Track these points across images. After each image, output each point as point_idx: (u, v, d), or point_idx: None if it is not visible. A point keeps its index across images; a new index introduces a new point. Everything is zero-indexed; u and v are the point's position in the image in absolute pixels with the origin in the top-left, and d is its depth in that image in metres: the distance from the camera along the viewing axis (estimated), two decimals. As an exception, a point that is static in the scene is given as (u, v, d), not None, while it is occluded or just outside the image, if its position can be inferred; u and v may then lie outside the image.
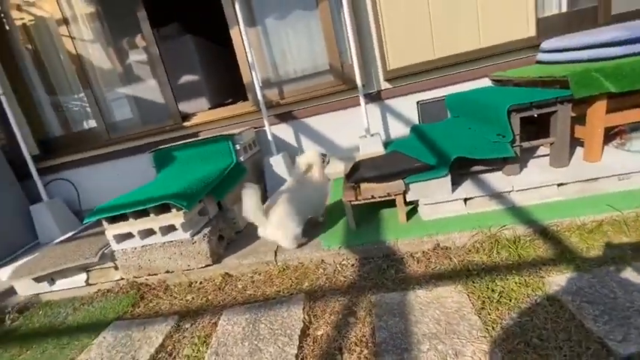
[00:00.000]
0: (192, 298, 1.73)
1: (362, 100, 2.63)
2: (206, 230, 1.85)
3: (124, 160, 3.21)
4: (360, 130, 2.70)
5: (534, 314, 1.14)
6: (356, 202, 1.83)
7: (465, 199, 1.76)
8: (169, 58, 3.36)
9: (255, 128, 2.90)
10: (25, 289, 2.10)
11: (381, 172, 1.93)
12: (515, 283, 1.29)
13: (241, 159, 2.45)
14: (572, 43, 1.97)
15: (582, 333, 1.03)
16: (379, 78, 2.75)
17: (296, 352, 1.21)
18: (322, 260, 1.76)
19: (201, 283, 1.84)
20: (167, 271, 1.89)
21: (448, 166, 1.73)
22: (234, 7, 2.56)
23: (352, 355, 1.16)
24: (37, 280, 2.06)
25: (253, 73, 2.62)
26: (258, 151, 2.86)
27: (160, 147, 2.62)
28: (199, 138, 2.78)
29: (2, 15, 3.08)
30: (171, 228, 1.84)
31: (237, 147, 2.42)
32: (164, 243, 1.84)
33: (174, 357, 1.36)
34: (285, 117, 2.91)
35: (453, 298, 1.30)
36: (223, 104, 3.94)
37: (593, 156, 1.76)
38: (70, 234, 2.57)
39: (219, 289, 1.75)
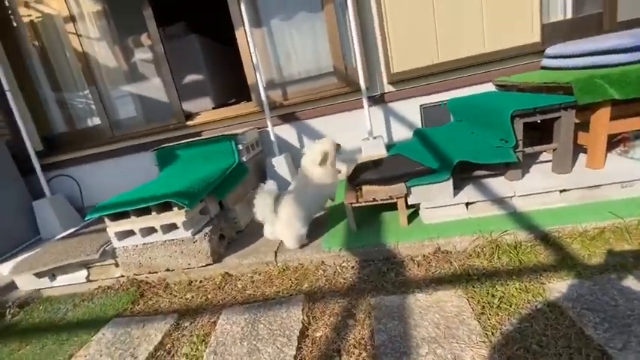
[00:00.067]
0: (192, 296, 1.74)
1: (365, 103, 2.63)
2: (207, 229, 1.85)
3: (127, 157, 3.23)
4: (363, 132, 2.70)
5: (534, 320, 1.13)
6: (357, 205, 1.83)
7: (467, 204, 1.76)
8: (174, 57, 3.38)
9: (259, 129, 2.91)
10: (26, 284, 2.11)
11: (383, 174, 1.93)
12: (516, 288, 1.29)
13: (244, 159, 2.46)
14: (577, 50, 1.97)
15: (582, 340, 1.03)
16: (383, 81, 2.76)
17: (294, 353, 1.21)
18: (322, 262, 1.76)
19: (201, 282, 1.85)
20: (167, 270, 1.90)
21: (450, 170, 1.73)
22: (239, 8, 2.58)
23: (351, 357, 1.15)
24: (38, 275, 2.07)
25: (257, 74, 2.64)
26: (260, 151, 2.87)
27: (163, 145, 2.63)
28: (202, 137, 2.79)
29: (10, 12, 3.11)
30: (172, 226, 1.85)
31: (240, 147, 2.43)
32: (165, 241, 1.84)
33: (173, 355, 1.36)
34: (288, 118, 2.92)
35: (453, 302, 1.30)
36: (227, 104, 3.95)
37: (596, 163, 1.75)
38: (71, 230, 2.58)
39: (219, 288, 1.75)
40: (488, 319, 1.18)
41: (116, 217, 1.87)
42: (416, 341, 1.15)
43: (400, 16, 2.56)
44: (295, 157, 2.90)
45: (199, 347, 1.36)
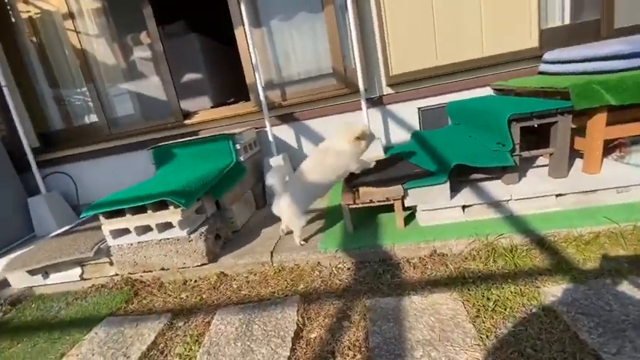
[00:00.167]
0: (187, 296, 1.72)
1: (364, 105, 2.63)
2: (203, 229, 1.84)
3: (124, 155, 3.21)
4: (361, 134, 2.70)
5: (529, 324, 1.13)
6: (354, 206, 1.83)
7: (463, 207, 1.76)
8: (173, 55, 3.37)
9: (257, 128, 2.90)
10: (19, 281, 2.09)
11: (380, 176, 1.93)
12: (511, 292, 1.29)
13: (241, 159, 2.45)
14: (575, 55, 1.98)
15: (577, 345, 1.03)
16: (382, 83, 2.76)
17: (288, 354, 1.21)
18: (318, 262, 1.75)
19: (196, 281, 1.84)
20: (162, 269, 1.88)
21: (447, 173, 1.73)
22: (239, 7, 2.58)
23: (345, 359, 1.15)
24: (31, 272, 2.05)
25: (256, 74, 2.63)
26: (258, 151, 2.86)
27: (160, 144, 2.62)
28: (200, 136, 2.78)
29: (8, 7, 3.10)
30: (168, 225, 1.83)
31: (238, 146, 2.42)
32: (160, 240, 1.83)
33: (166, 355, 1.35)
34: (286, 118, 2.91)
35: (448, 305, 1.29)
36: (225, 103, 3.94)
37: (593, 168, 1.76)
38: (66, 228, 2.57)
39: (214, 288, 1.74)
40: (483, 323, 1.18)
41: (111, 215, 1.86)
42: (410, 344, 1.14)
43: (400, 19, 2.56)
44: (293, 158, 2.90)
45: (193, 347, 1.35)
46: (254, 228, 2.21)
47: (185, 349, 1.35)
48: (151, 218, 1.82)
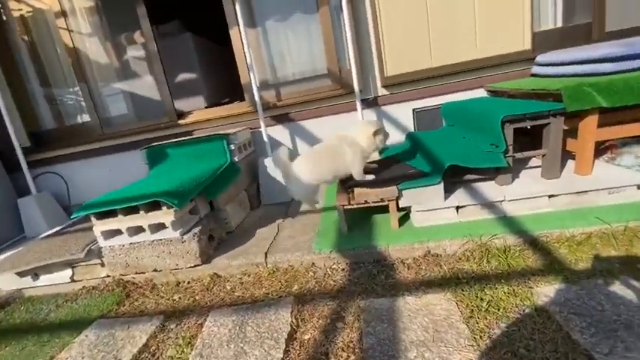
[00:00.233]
0: (179, 298, 1.70)
1: (359, 106, 2.63)
2: (196, 229, 1.83)
3: (117, 155, 3.17)
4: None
5: (522, 324, 1.14)
6: (349, 207, 1.83)
7: (457, 207, 1.77)
8: (168, 55, 3.34)
9: (251, 129, 2.89)
10: (8, 283, 2.05)
11: (372, 176, 1.93)
12: (504, 292, 1.29)
13: (236, 159, 2.43)
14: (567, 58, 2.00)
15: (569, 345, 1.03)
16: (376, 84, 2.77)
17: (282, 356, 1.20)
18: (313, 263, 1.75)
19: (189, 283, 1.82)
20: (155, 270, 1.86)
21: (441, 174, 1.74)
22: (234, 8, 2.57)
23: (339, 360, 1.14)
24: (21, 274, 2.01)
25: (251, 74, 2.62)
26: (253, 151, 2.85)
27: (153, 144, 2.59)
28: (194, 136, 2.76)
29: (0, 6, 3.05)
30: (160, 226, 1.81)
31: (232, 147, 2.41)
32: (153, 241, 1.81)
33: (158, 358, 1.33)
34: (281, 119, 2.91)
35: (442, 305, 1.29)
36: (220, 103, 3.92)
37: (584, 169, 1.78)
38: (57, 229, 2.53)
39: (207, 289, 1.73)
40: (477, 323, 1.18)
41: (103, 215, 1.83)
42: (404, 344, 1.14)
43: (395, 20, 2.57)
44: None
45: (185, 349, 1.33)
46: (248, 229, 2.20)
47: (177, 351, 1.33)
48: (144, 219, 1.80)
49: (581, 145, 1.77)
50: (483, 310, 1.23)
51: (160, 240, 1.80)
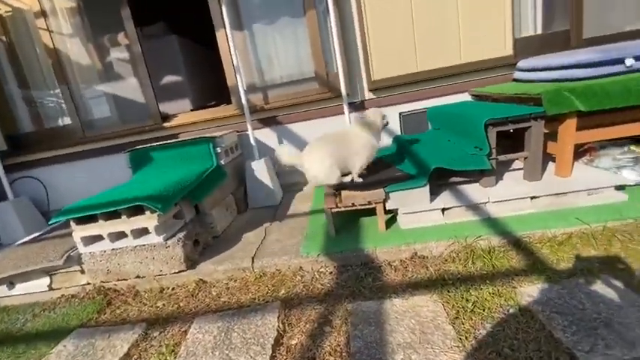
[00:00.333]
0: (163, 304, 1.66)
1: (346, 109, 2.64)
2: (181, 234, 1.79)
3: (99, 159, 3.09)
4: (343, 138, 2.71)
5: (506, 324, 1.15)
6: (337, 210, 1.82)
7: (443, 209, 1.79)
8: (152, 57, 3.29)
9: (238, 132, 2.86)
10: (-19, 293, 1.96)
11: (362, 180, 1.93)
12: (489, 293, 1.31)
13: (222, 162, 2.40)
14: (547, 63, 2.06)
15: (552, 343, 1.05)
16: (364, 88, 2.79)
17: (268, 361, 1.18)
18: (300, 267, 1.73)
19: (173, 289, 1.77)
20: (138, 276, 1.81)
21: (427, 177, 1.76)
22: (220, 10, 2.55)
23: (326, 365, 1.13)
24: (-5, 283, 1.93)
25: (238, 77, 2.60)
26: (240, 155, 2.82)
27: (137, 147, 2.54)
28: (179, 139, 2.71)
29: (-24, 4, 2.95)
30: (143, 231, 1.77)
31: (218, 150, 2.38)
32: (135, 247, 1.76)
33: (140, 367, 1.29)
34: (268, 122, 2.89)
35: (429, 307, 1.30)
36: (206, 106, 3.87)
37: (564, 171, 1.83)
38: (34, 235, 2.43)
39: (192, 295, 1.69)
40: (462, 324, 1.19)
41: (83, 220, 1.77)
42: (391, 347, 1.14)
43: (381, 25, 2.60)
44: (275, 162, 2.87)
45: (168, 358, 1.29)
46: (235, 233, 2.17)
47: (160, 359, 1.29)
48: (126, 224, 1.75)
49: (560, 147, 1.82)
50: (469, 310, 1.24)
51: (143, 245, 1.75)
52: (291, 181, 2.93)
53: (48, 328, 1.66)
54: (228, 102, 3.05)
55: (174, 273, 1.78)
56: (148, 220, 1.72)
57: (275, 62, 2.91)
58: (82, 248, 1.82)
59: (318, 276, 1.66)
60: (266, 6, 2.77)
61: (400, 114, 2.81)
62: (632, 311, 1.11)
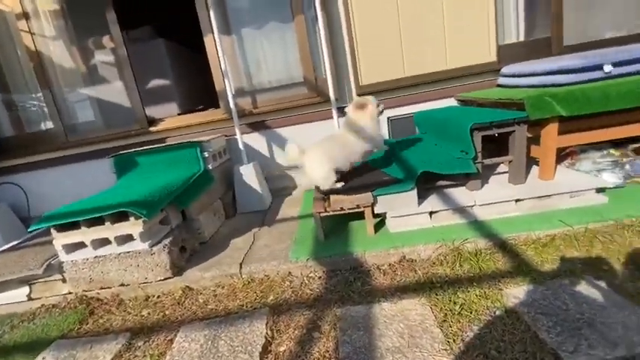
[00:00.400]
0: (148, 313, 1.62)
1: (335, 113, 2.65)
2: (167, 241, 1.75)
3: (83, 164, 3.02)
4: (332, 142, 2.71)
5: (493, 326, 1.16)
6: (325, 214, 1.82)
7: (431, 213, 1.81)
8: (139, 60, 3.25)
9: (227, 136, 2.84)
10: (-45, 304, 1.87)
11: (350, 184, 1.94)
12: (476, 295, 1.32)
13: (209, 167, 2.37)
14: (530, 69, 2.12)
15: (537, 344, 1.06)
16: (352, 93, 2.80)
17: (256, 369, 1.16)
18: (289, 272, 1.72)
19: (158, 297, 1.73)
20: (122, 285, 1.76)
21: (415, 180, 1.77)
22: (208, 14, 2.54)
23: (314, 371, 1.12)
24: (-30, 294, 1.85)
25: (226, 81, 2.59)
26: (228, 159, 2.79)
27: (122, 152, 2.49)
28: (165, 144, 2.67)
29: (-47, 5, 2.86)
30: (128, 238, 1.73)
31: (206, 154, 2.35)
32: (120, 254, 1.71)
33: (123, 378, 1.25)
34: (257, 126, 2.88)
35: (417, 310, 1.30)
36: (194, 110, 3.84)
37: (547, 174, 1.87)
38: (13, 243, 2.35)
39: (178, 303, 1.65)
40: (450, 327, 1.19)
41: (64, 227, 1.72)
42: (380, 352, 1.13)
43: (369, 31, 2.63)
44: (264, 166, 2.86)
45: (153, 368, 1.26)
46: (223, 239, 2.14)
47: (144, 370, 1.26)
48: (110, 230, 1.70)
49: (543, 151, 1.86)
50: (456, 313, 1.25)
51: (128, 252, 1.71)
52: (280, 185, 2.91)
53: (27, 340, 1.59)
54: (217, 106, 3.03)
55: (160, 280, 1.74)
56: (133, 227, 1.68)
57: (263, 67, 2.91)
58: (63, 256, 1.76)
59: (307, 281, 1.64)
60: (254, 11, 2.77)
61: (388, 118, 2.84)
62: (614, 311, 1.14)
